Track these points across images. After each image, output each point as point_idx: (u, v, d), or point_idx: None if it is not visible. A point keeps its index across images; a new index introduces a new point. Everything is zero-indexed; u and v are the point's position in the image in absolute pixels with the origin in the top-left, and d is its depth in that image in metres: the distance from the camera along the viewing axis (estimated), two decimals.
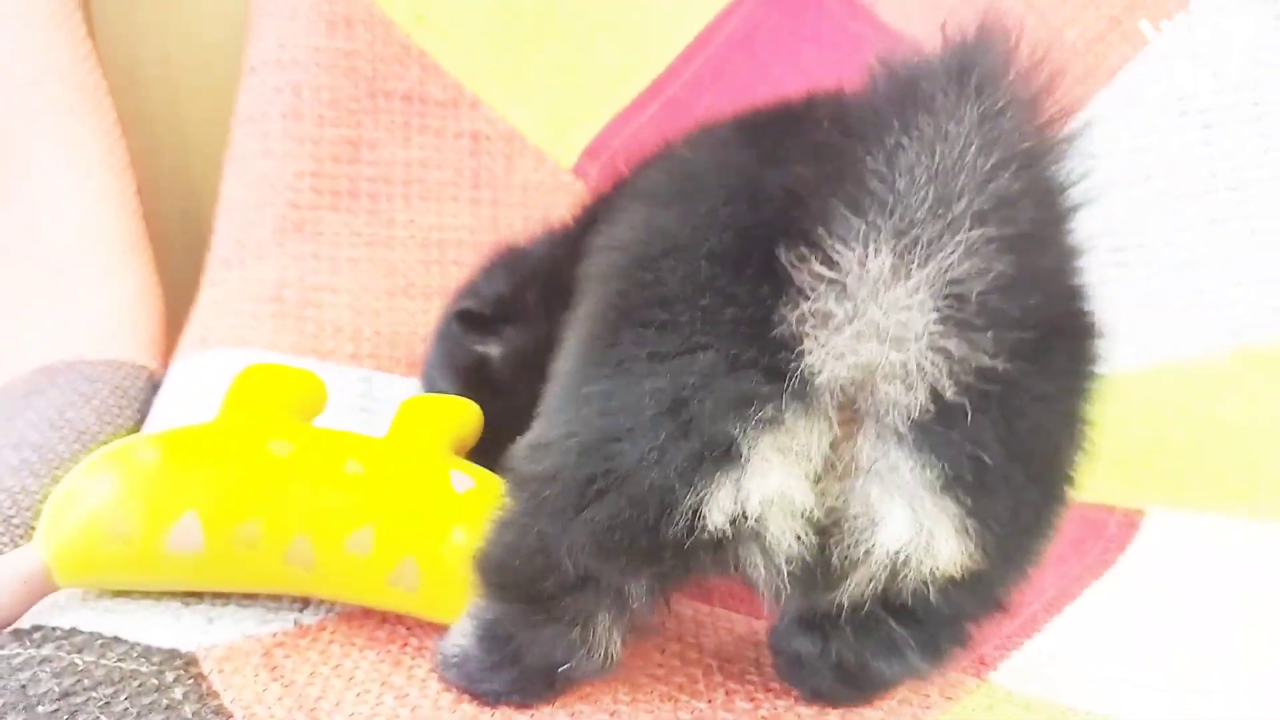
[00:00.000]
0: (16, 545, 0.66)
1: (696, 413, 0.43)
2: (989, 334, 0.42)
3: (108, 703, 0.52)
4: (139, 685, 0.53)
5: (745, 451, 0.43)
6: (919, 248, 0.41)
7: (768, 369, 0.43)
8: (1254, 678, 0.62)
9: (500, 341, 0.78)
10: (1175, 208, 1.11)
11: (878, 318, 0.42)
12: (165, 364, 1.02)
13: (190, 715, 0.51)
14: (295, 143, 1.07)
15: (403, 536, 0.63)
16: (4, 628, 0.59)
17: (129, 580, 0.63)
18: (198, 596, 0.65)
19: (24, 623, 0.58)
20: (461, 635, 0.57)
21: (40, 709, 0.49)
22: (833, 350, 0.42)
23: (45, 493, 0.71)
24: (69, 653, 0.55)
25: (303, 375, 0.72)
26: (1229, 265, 1.08)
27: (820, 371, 0.43)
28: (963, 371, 0.42)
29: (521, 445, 0.53)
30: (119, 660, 0.56)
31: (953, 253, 0.41)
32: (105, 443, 0.70)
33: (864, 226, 0.41)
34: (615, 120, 1.17)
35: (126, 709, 0.51)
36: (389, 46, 1.11)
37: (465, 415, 0.72)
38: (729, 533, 0.45)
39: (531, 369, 0.62)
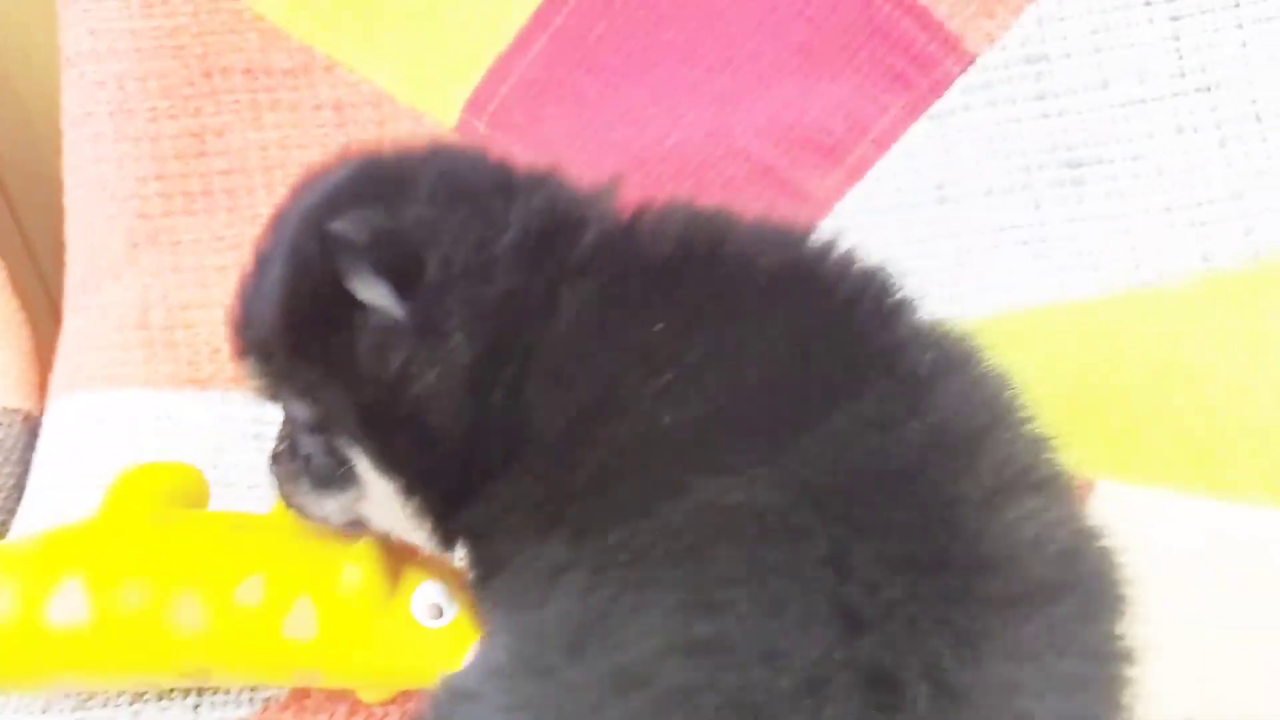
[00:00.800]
0: None
1: None
2: None
3: None
4: None
5: None
6: None
7: None
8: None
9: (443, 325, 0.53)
10: (1137, 115, 0.98)
11: None
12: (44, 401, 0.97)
13: None
14: (130, 143, 0.96)
15: (295, 578, 0.63)
16: None
17: (6, 670, 0.63)
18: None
19: None
20: None
21: None
22: None
23: None
24: None
25: (180, 471, 0.72)
26: (1198, 180, 0.96)
27: None
28: None
29: None
30: None
31: None
32: None
33: None
34: (496, 65, 1.04)
35: None
36: (217, 16, 0.97)
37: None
38: None
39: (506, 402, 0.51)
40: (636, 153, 1.07)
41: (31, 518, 0.83)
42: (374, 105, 1.02)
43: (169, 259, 0.96)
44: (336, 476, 0.59)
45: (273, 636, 0.62)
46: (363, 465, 0.57)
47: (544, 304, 0.53)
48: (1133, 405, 0.89)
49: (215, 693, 0.69)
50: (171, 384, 0.93)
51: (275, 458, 0.64)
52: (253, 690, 0.69)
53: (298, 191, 0.62)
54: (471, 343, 0.52)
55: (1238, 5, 0.96)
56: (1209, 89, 0.96)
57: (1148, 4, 0.97)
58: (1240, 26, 0.95)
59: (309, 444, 0.59)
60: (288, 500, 0.64)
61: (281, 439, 0.65)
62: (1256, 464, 0.78)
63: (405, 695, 0.66)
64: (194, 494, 0.72)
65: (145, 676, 0.66)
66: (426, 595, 0.64)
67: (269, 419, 0.89)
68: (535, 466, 0.51)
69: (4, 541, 0.70)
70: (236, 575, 0.63)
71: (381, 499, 0.58)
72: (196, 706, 0.68)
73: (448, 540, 0.58)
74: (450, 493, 0.55)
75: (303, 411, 0.58)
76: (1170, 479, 0.80)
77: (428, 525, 0.57)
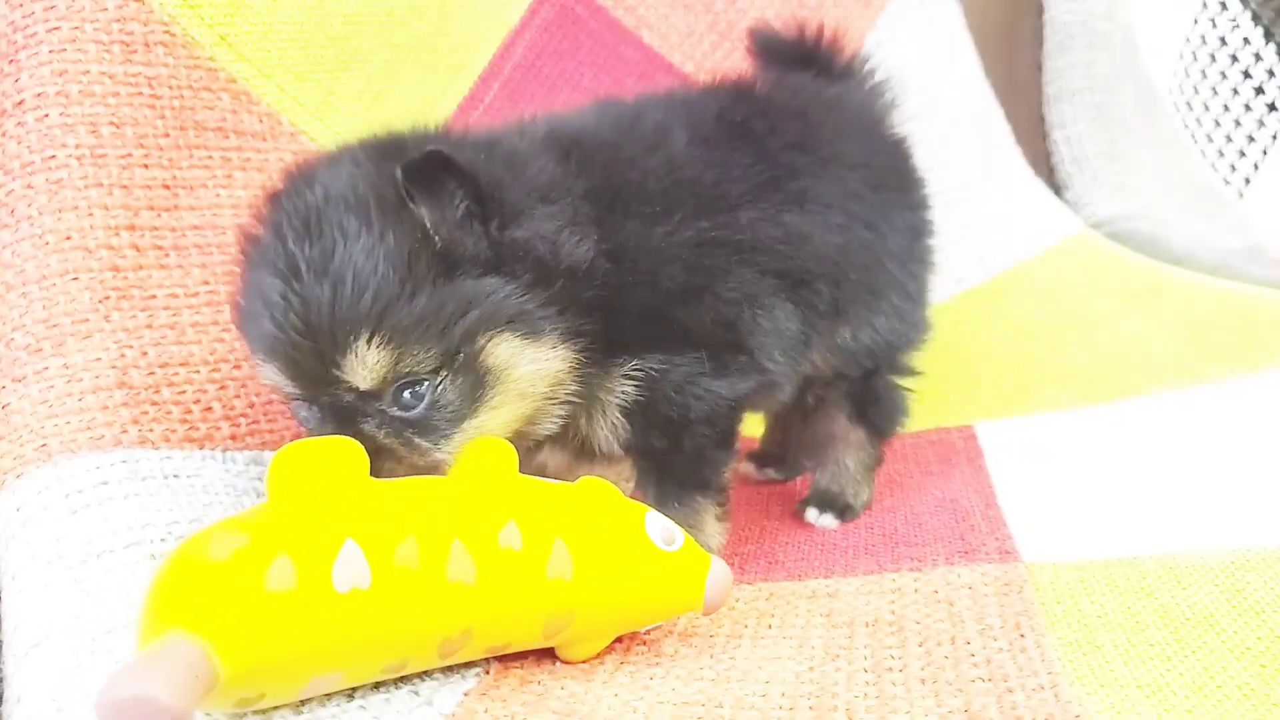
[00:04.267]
0: None
1: None
2: None
3: None
4: None
5: None
6: None
7: None
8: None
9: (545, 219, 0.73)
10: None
11: None
12: None
13: None
14: (101, 190, 0.90)
15: (545, 521, 0.67)
16: None
17: (296, 647, 0.56)
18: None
19: None
20: None
21: None
22: None
23: None
24: None
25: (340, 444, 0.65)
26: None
27: None
28: None
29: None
30: None
31: None
32: None
33: None
34: None
35: None
36: (194, 72, 0.96)
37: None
38: None
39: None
40: None
41: (39, 595, 0.72)
42: None
43: (144, 316, 0.90)
44: (471, 399, 0.70)
45: (539, 577, 0.65)
46: (504, 354, 0.70)
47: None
48: (997, 366, 1.28)
49: (424, 678, 0.68)
50: (169, 443, 0.88)
51: (365, 436, 0.68)
52: (456, 669, 0.70)
53: (282, 203, 0.71)
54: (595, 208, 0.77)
55: None
56: None
57: None
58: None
59: (422, 395, 0.69)
60: (419, 456, 0.70)
61: (346, 424, 0.69)
62: (1069, 387, 1.21)
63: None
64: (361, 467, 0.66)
65: (414, 644, 0.63)
66: (656, 523, 0.72)
67: None
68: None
69: (229, 518, 0.61)
70: (494, 523, 0.64)
71: (520, 383, 0.72)
72: (418, 692, 0.68)
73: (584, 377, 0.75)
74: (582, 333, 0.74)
75: (426, 361, 0.67)
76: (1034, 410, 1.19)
77: (569, 366, 0.74)
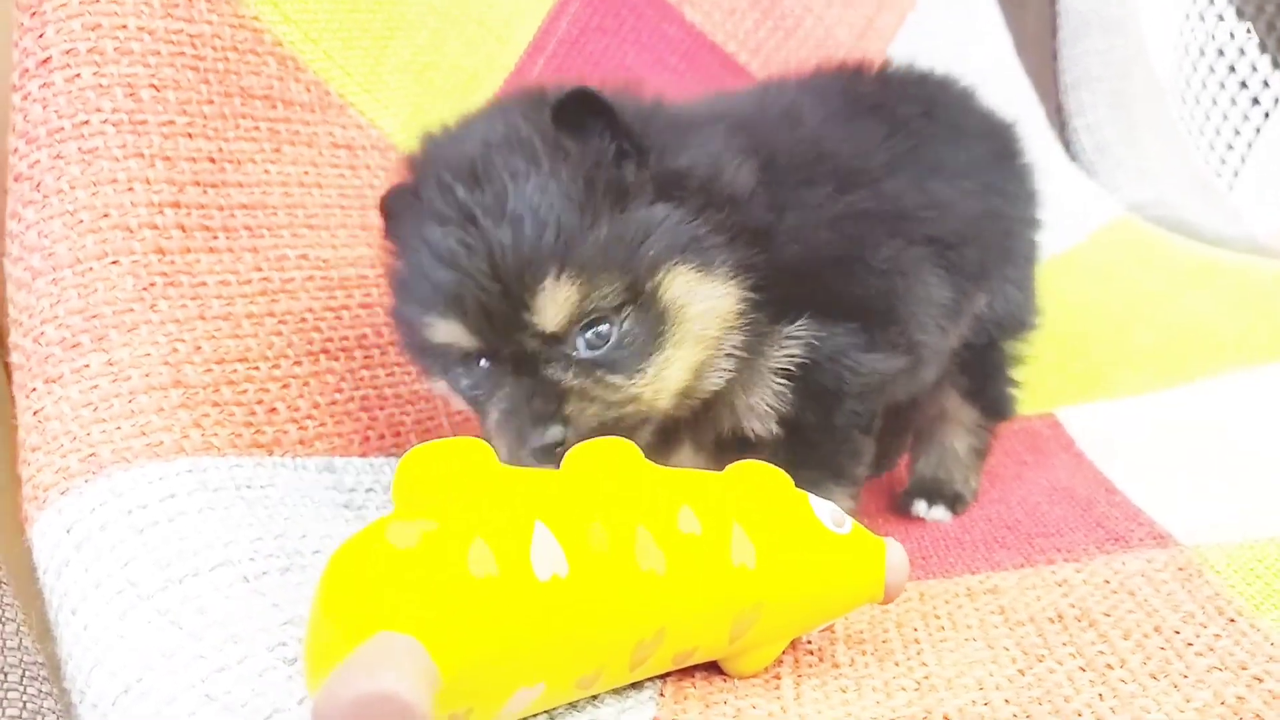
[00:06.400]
0: None
1: None
2: None
3: None
4: None
5: None
6: None
7: None
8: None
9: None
10: None
11: None
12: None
13: None
14: (142, 162, 0.78)
15: (719, 506, 0.60)
16: None
17: (506, 644, 0.48)
18: None
19: None
20: None
21: None
22: None
23: None
24: None
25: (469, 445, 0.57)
26: None
27: None
28: None
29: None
30: None
31: None
32: None
33: None
34: None
35: None
36: (240, 32, 0.85)
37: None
38: None
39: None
40: None
41: (115, 631, 0.61)
42: (381, 151, 0.96)
43: (194, 306, 0.79)
44: (654, 336, 0.68)
45: (725, 565, 0.58)
46: (681, 287, 0.68)
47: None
48: (1060, 348, 1.24)
49: (599, 704, 0.60)
50: (235, 448, 0.76)
51: (550, 383, 0.66)
52: (628, 693, 0.62)
53: (435, 157, 0.70)
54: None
55: None
56: None
57: None
58: None
59: (606, 335, 0.67)
60: (612, 392, 0.67)
61: (526, 393, 0.66)
62: (1142, 368, 1.17)
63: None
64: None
65: (612, 647, 0.55)
66: (822, 505, 0.65)
67: (348, 485, 0.81)
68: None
69: (386, 515, 0.51)
70: (670, 507, 0.57)
71: (696, 321, 0.69)
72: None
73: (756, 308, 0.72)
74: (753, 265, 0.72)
75: (611, 295, 0.66)
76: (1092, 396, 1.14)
77: (742, 301, 0.72)
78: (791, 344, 0.74)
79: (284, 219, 0.86)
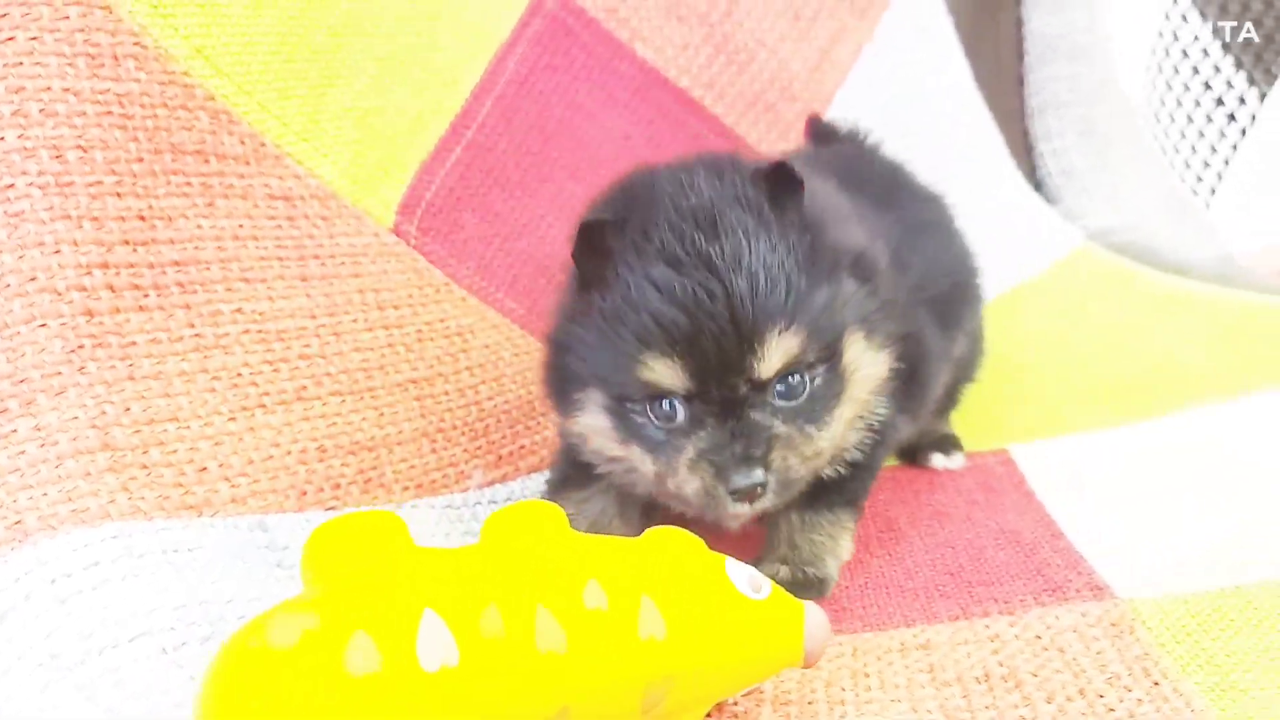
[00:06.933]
0: None
1: None
2: None
3: None
4: None
5: None
6: None
7: None
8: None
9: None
10: None
11: None
12: None
13: None
14: (69, 223, 0.78)
15: (628, 576, 0.59)
16: None
17: None
18: None
19: None
20: None
21: None
22: None
23: None
24: None
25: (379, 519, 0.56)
26: None
27: None
28: None
29: None
30: None
31: None
32: None
33: None
34: (422, 170, 1.06)
35: None
36: (169, 88, 0.85)
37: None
38: None
39: None
40: (540, 258, 1.15)
41: (36, 705, 0.60)
42: (321, 201, 0.96)
43: (124, 366, 0.78)
44: (834, 393, 0.75)
45: (632, 639, 0.57)
46: (856, 351, 0.76)
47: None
48: (1030, 385, 1.24)
49: None
50: (163, 511, 0.76)
51: (758, 426, 0.72)
52: None
53: (667, 203, 0.73)
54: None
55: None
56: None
57: None
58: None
59: (801, 386, 0.73)
60: (806, 443, 0.74)
61: (730, 434, 0.72)
62: (1099, 404, 1.16)
63: None
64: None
65: None
66: (738, 571, 0.65)
67: (280, 544, 0.81)
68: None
69: (281, 603, 0.51)
70: (576, 582, 0.57)
71: (862, 383, 0.78)
72: None
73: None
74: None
75: (818, 352, 0.73)
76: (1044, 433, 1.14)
77: (887, 375, 0.81)
78: (884, 409, 0.83)
79: (217, 273, 0.85)
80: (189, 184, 0.85)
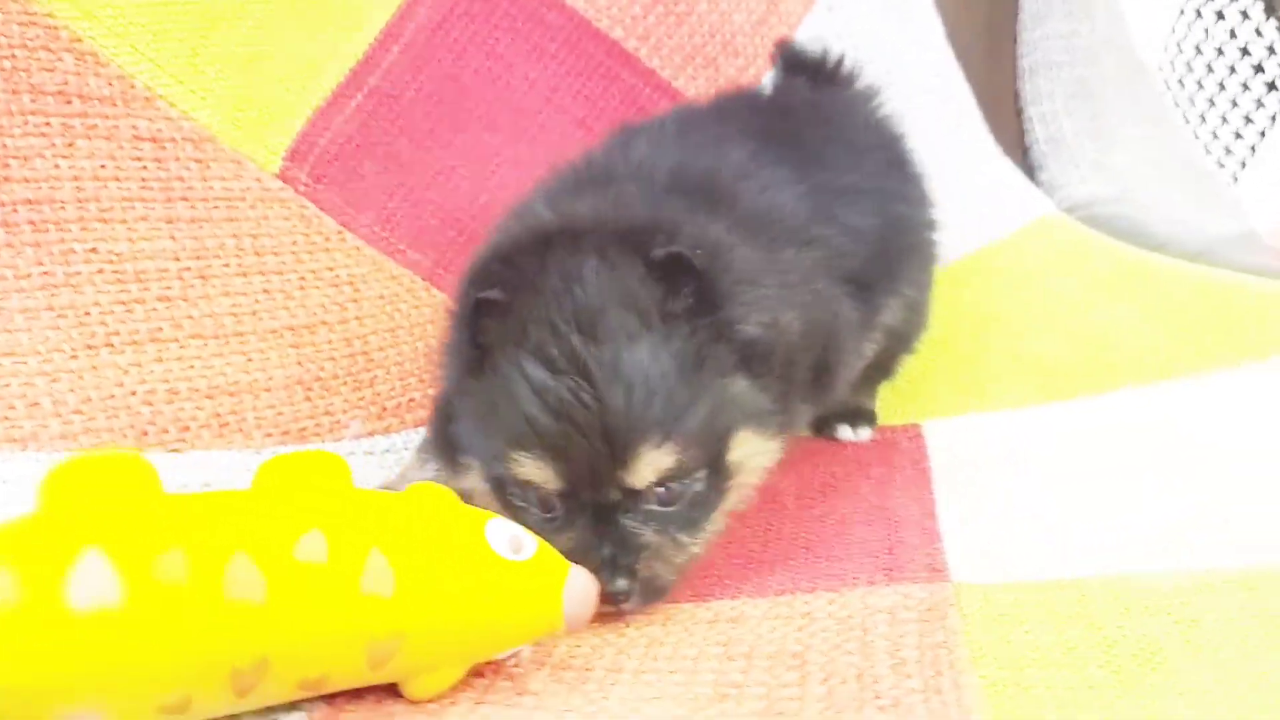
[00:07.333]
0: None
1: None
2: None
3: None
4: None
5: None
6: None
7: None
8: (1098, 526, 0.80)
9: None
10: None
11: None
12: None
13: None
14: None
15: (359, 530, 0.58)
16: None
17: (25, 673, 0.47)
18: None
19: None
20: None
21: None
22: None
23: None
24: None
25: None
26: None
27: None
28: None
29: None
30: None
31: None
32: None
33: None
34: (317, 116, 1.04)
35: None
36: (30, 29, 0.85)
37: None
38: None
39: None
40: (450, 210, 1.13)
41: None
42: (195, 144, 0.96)
43: None
44: (716, 491, 0.73)
45: (350, 593, 0.56)
46: (744, 450, 0.73)
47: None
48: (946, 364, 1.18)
49: None
50: None
51: (629, 534, 0.70)
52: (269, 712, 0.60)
53: (549, 298, 0.69)
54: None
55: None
56: None
57: None
58: None
59: (680, 491, 0.70)
60: (677, 552, 0.72)
61: (599, 539, 0.70)
62: (1029, 381, 1.10)
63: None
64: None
65: (193, 676, 0.53)
66: (502, 529, 0.63)
67: None
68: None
69: None
70: (291, 534, 0.55)
71: (750, 475, 0.76)
72: None
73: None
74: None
75: (698, 460, 0.70)
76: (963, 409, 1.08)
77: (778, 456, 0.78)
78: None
79: (73, 213, 0.86)
80: (48, 124, 0.86)
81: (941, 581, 0.74)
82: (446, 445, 0.79)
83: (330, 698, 0.62)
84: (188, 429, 0.88)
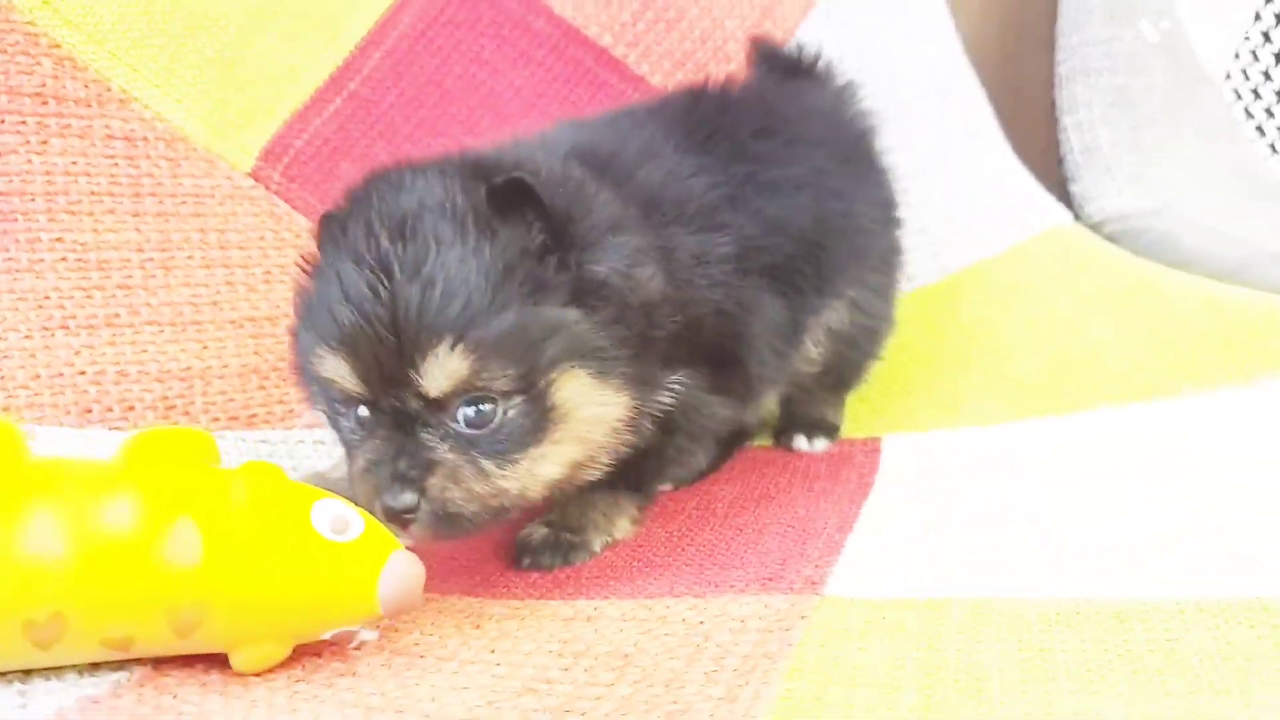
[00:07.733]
0: None
1: None
2: None
3: None
4: None
5: None
6: None
7: None
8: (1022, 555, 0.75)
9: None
10: None
11: None
12: None
13: None
14: None
15: (172, 500, 0.60)
16: None
17: None
18: None
19: None
20: None
21: None
22: None
23: None
24: None
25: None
26: None
27: None
28: None
29: None
30: None
31: None
32: None
33: None
34: (294, 119, 1.09)
35: None
36: (9, 35, 0.93)
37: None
38: None
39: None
40: None
41: None
42: (168, 143, 1.02)
43: None
44: (535, 431, 0.69)
45: (150, 560, 0.58)
46: (573, 389, 0.69)
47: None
48: (908, 380, 1.14)
49: (48, 677, 0.61)
50: None
51: (424, 446, 0.67)
52: (95, 669, 0.63)
53: (374, 203, 0.70)
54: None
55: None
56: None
57: None
58: None
59: (489, 416, 0.68)
60: (479, 480, 0.68)
61: (395, 450, 0.68)
62: (1003, 399, 1.05)
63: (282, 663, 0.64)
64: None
65: None
66: (327, 510, 0.64)
67: (42, 452, 0.85)
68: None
69: None
70: (98, 498, 0.58)
71: (581, 425, 0.71)
72: (24, 693, 0.60)
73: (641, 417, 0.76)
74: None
75: (502, 380, 0.67)
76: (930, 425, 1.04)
77: (627, 416, 0.74)
78: (667, 394, 0.78)
79: (42, 205, 0.93)
80: (24, 123, 0.94)
81: (810, 594, 0.71)
82: (298, 377, 0.78)
83: (157, 662, 0.65)
84: (132, 409, 0.94)
